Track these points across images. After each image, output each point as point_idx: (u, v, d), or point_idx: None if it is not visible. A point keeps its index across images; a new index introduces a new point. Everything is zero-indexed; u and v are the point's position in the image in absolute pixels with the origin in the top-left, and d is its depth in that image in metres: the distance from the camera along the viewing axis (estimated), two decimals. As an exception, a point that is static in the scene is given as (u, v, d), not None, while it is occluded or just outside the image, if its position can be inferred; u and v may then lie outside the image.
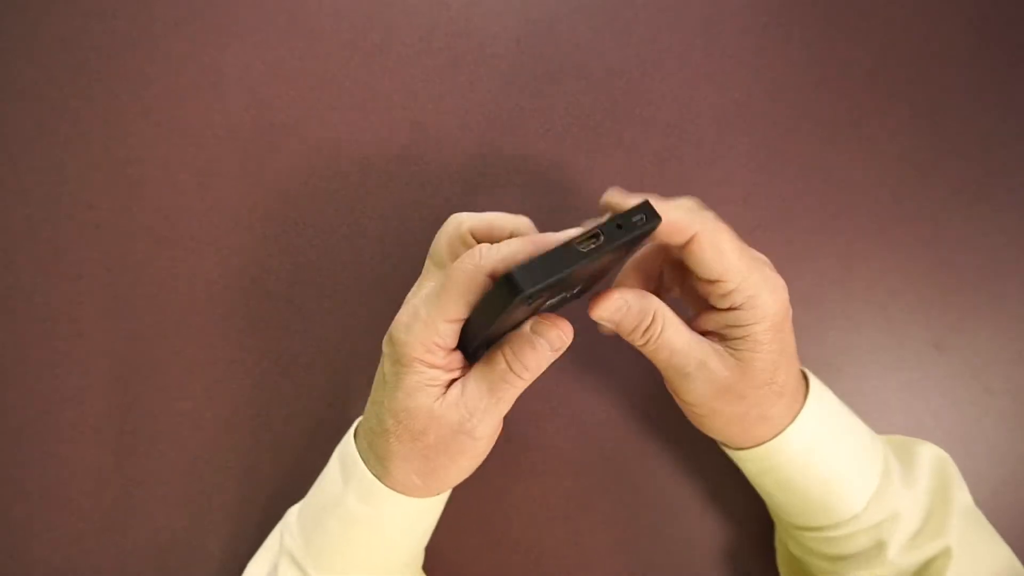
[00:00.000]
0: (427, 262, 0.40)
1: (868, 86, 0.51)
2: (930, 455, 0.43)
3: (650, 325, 0.37)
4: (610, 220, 0.34)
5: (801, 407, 0.39)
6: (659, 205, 0.35)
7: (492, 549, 0.51)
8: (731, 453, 0.42)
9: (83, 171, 0.51)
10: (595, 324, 0.49)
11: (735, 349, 0.37)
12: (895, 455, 0.42)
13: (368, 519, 0.37)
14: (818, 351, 0.50)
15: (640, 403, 0.50)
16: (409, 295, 0.38)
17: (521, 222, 0.38)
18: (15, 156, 0.51)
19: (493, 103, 0.51)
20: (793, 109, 0.51)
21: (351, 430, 0.40)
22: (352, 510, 0.37)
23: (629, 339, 0.38)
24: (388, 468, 0.36)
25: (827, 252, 0.50)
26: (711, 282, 0.37)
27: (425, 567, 0.51)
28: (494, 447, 0.51)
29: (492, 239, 0.37)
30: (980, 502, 0.50)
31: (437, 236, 0.39)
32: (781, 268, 0.51)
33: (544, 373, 0.51)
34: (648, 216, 0.35)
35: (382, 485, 0.37)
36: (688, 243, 0.36)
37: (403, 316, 0.35)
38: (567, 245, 0.33)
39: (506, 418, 0.51)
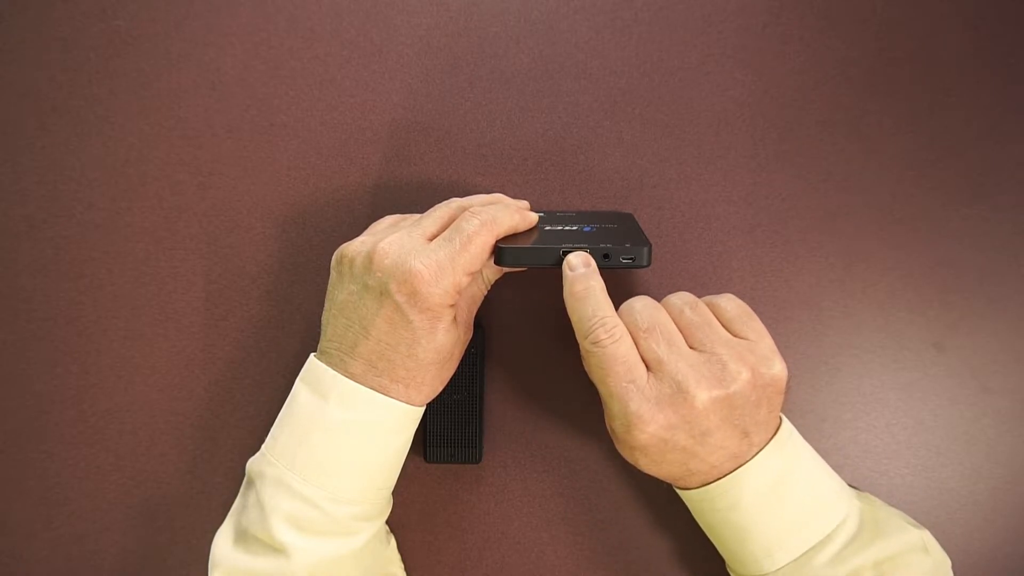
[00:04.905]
0: (400, 219, 0.45)
1: (868, 86, 0.51)
2: (894, 548, 0.40)
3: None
4: (602, 247, 0.40)
5: (727, 472, 0.40)
6: (569, 303, 0.40)
7: (492, 549, 0.51)
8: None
9: (83, 171, 0.51)
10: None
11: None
12: (862, 534, 0.40)
13: (353, 423, 0.40)
14: (818, 351, 0.50)
15: (640, 403, 0.51)
16: (393, 235, 0.40)
17: (522, 205, 0.45)
18: (15, 156, 0.51)
19: (493, 103, 0.51)
20: (793, 109, 0.51)
21: (310, 363, 0.42)
22: (336, 419, 0.40)
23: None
24: (384, 385, 0.40)
25: (827, 252, 0.50)
26: None
27: (426, 567, 0.51)
28: (495, 446, 0.52)
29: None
30: (980, 502, 0.50)
31: (440, 207, 0.43)
32: (781, 268, 0.51)
33: (545, 373, 0.52)
34: (637, 259, 0.40)
35: (366, 388, 0.40)
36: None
37: (424, 271, 0.38)
38: (555, 249, 0.40)
39: (507, 417, 0.51)
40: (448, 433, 0.50)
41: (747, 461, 0.39)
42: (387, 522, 0.47)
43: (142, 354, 0.51)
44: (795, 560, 0.40)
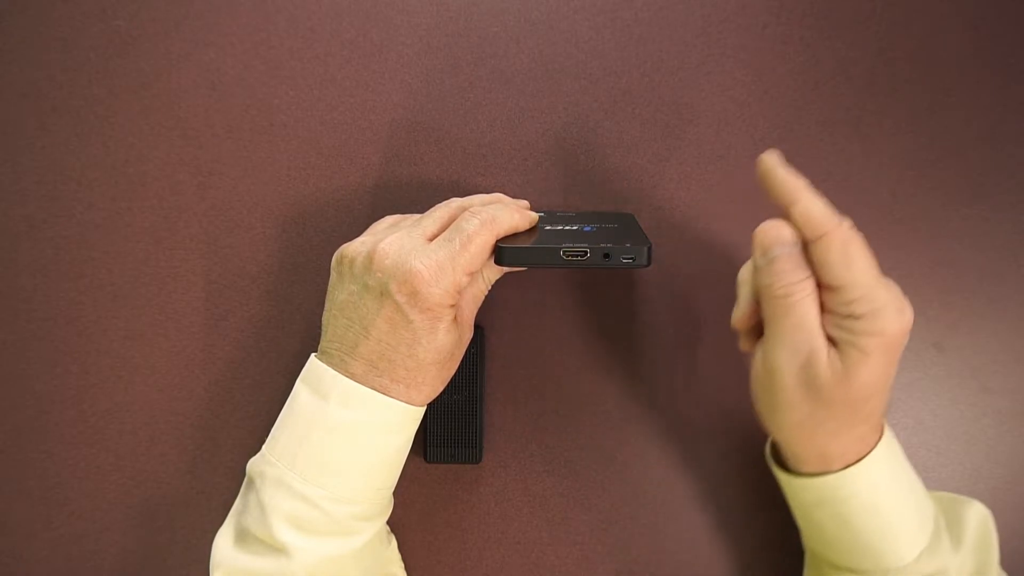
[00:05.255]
0: (400, 219, 0.45)
1: (867, 86, 0.51)
2: (976, 519, 0.43)
3: (802, 283, 0.37)
4: (602, 247, 0.40)
5: (874, 445, 0.39)
6: (802, 196, 0.36)
7: (492, 549, 0.51)
8: (786, 481, 0.42)
9: (83, 171, 0.51)
10: (591, 329, 0.49)
11: (843, 356, 0.36)
12: (944, 514, 0.43)
13: (354, 423, 0.40)
14: (818, 351, 0.50)
15: (640, 403, 0.51)
16: (393, 236, 0.40)
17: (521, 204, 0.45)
18: (15, 156, 0.51)
19: (493, 103, 0.51)
20: (793, 109, 0.51)
21: (311, 363, 0.42)
22: (337, 418, 0.40)
23: (777, 280, 0.37)
24: (385, 385, 0.40)
25: (827, 252, 0.50)
26: (834, 288, 0.36)
27: (426, 567, 0.51)
28: (495, 446, 0.52)
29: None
30: (980, 502, 0.50)
31: (440, 207, 0.43)
32: (781, 268, 0.51)
33: (545, 373, 0.52)
34: (637, 258, 0.40)
35: (366, 388, 0.40)
36: (819, 240, 0.36)
37: (424, 271, 0.38)
38: (555, 249, 0.40)
39: (507, 417, 0.51)
40: (448, 433, 0.50)
41: (878, 441, 0.39)
42: (387, 522, 0.47)
43: (142, 354, 0.51)
44: (928, 545, 0.39)
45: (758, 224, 0.50)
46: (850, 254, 0.36)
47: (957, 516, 0.43)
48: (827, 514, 0.41)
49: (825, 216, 0.36)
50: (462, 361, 0.44)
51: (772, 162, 0.37)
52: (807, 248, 0.37)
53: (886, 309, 0.35)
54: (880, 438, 0.39)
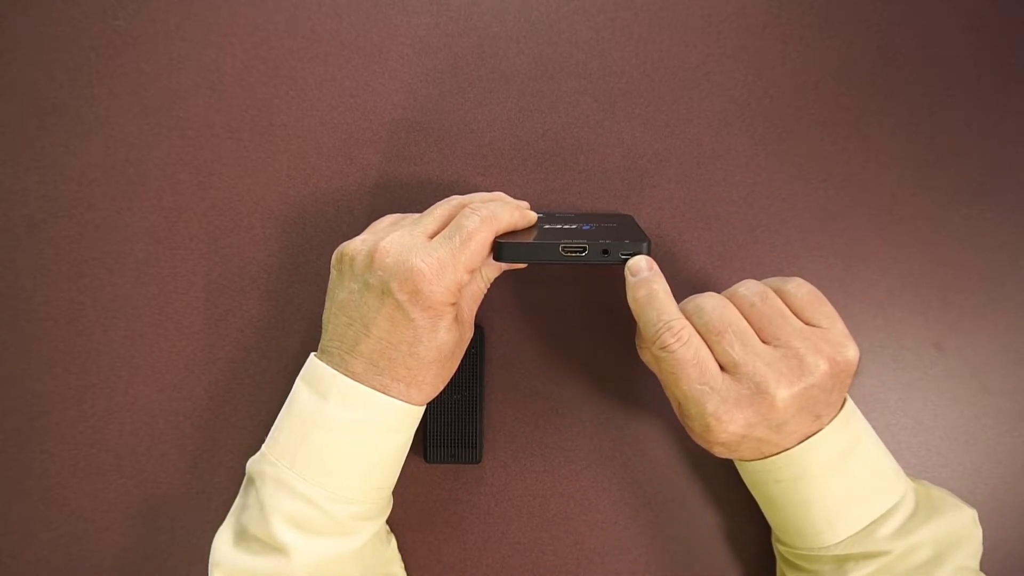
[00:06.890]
0: (400, 218, 0.44)
1: (867, 86, 0.51)
2: (957, 522, 0.41)
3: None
4: (601, 243, 0.40)
5: (821, 428, 0.39)
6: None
7: (492, 549, 0.51)
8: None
9: (83, 171, 0.51)
10: (591, 329, 0.49)
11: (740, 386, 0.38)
12: (924, 513, 0.41)
13: (354, 423, 0.40)
14: (818, 351, 0.50)
15: (640, 403, 0.51)
16: (394, 234, 0.40)
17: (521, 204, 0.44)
18: (15, 156, 0.51)
19: (493, 103, 0.51)
20: (793, 109, 0.51)
21: (311, 362, 0.42)
22: (337, 418, 0.40)
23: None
24: (385, 384, 0.40)
25: (827, 252, 0.50)
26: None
27: (426, 567, 0.51)
28: (495, 446, 0.52)
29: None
30: (980, 502, 0.50)
31: (440, 205, 0.43)
32: (781, 268, 0.51)
33: (545, 373, 0.52)
34: (636, 254, 0.40)
35: (366, 388, 0.40)
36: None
37: (425, 269, 0.38)
38: (554, 244, 0.40)
39: (507, 417, 0.51)
40: (448, 433, 0.50)
41: (814, 434, 0.39)
42: (387, 522, 0.47)
43: (142, 354, 0.51)
44: (856, 533, 0.40)
45: (758, 225, 0.51)
46: (664, 371, 0.39)
47: (927, 517, 0.41)
48: (754, 489, 0.44)
49: (646, 334, 0.39)
50: (462, 361, 0.44)
51: (635, 269, 0.41)
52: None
53: (765, 381, 0.37)
54: (835, 416, 0.40)
